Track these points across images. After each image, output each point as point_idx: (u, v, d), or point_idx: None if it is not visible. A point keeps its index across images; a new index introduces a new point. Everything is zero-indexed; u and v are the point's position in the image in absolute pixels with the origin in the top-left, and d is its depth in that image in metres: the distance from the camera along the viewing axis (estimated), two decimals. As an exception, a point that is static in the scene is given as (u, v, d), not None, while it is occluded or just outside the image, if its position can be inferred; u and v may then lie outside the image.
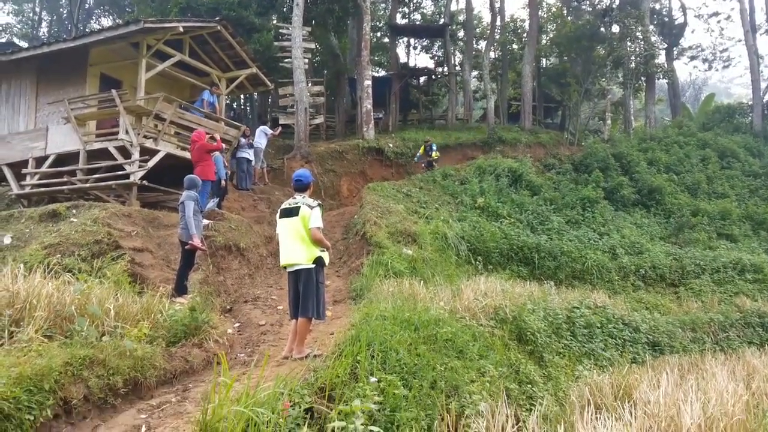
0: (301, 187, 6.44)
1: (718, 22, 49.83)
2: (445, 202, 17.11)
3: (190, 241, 8.49)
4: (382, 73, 35.18)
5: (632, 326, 11.36)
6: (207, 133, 12.16)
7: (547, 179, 21.34)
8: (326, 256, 6.39)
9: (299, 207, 6.20)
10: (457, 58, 36.42)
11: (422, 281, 9.69)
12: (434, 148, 19.87)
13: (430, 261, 11.80)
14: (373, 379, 4.38)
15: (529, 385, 7.31)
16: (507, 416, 5.17)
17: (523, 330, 8.70)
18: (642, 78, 29.96)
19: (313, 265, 6.21)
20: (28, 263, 7.24)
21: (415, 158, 20.51)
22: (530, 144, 24.60)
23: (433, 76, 32.54)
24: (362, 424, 3.25)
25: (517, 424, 5.35)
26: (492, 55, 33.23)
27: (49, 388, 4.10)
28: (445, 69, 32.29)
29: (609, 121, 29.78)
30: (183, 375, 5.80)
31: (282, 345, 7.03)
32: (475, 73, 34.62)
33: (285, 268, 6.42)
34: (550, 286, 12.27)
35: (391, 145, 21.06)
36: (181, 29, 13.88)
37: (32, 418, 3.88)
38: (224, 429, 3.34)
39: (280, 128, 19.61)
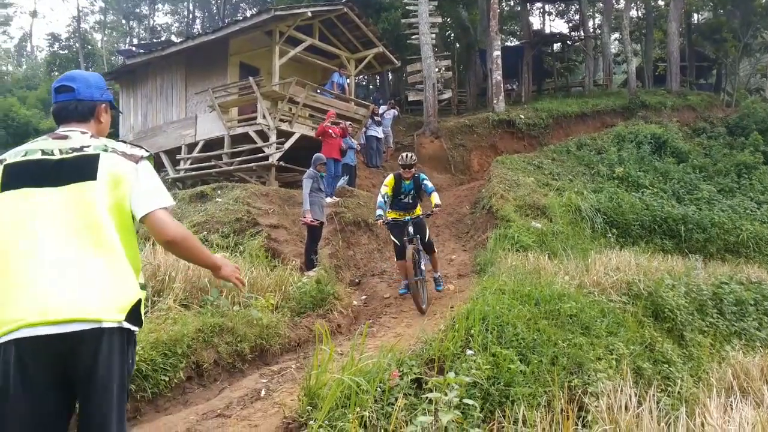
0: None
1: None
2: (580, 173, 16.35)
3: (301, 218, 9.04)
4: (515, 42, 34.05)
5: (794, 304, 10.21)
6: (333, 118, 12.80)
7: (696, 145, 19.65)
8: None
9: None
10: (596, 20, 34.31)
11: (551, 255, 9.39)
12: (428, 184, 7.85)
13: (560, 234, 11.37)
14: (469, 352, 4.36)
15: (666, 365, 6.84)
16: (630, 396, 4.90)
17: (660, 306, 8.14)
18: (814, 26, 26.43)
19: None
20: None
21: (376, 213, 7.71)
22: (677, 107, 22.69)
23: (569, 42, 30.89)
24: (457, 397, 3.26)
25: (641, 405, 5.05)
26: (633, 13, 30.93)
27: (182, 352, 4.56)
28: (581, 33, 30.57)
29: (773, 78, 26.71)
30: (306, 343, 6.13)
31: (402, 317, 7.18)
32: (615, 35, 32.43)
33: None
34: (697, 260, 11.35)
35: (522, 116, 20.38)
36: (309, 14, 14.41)
37: (167, 378, 4.35)
38: (325, 395, 3.52)
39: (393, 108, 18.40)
